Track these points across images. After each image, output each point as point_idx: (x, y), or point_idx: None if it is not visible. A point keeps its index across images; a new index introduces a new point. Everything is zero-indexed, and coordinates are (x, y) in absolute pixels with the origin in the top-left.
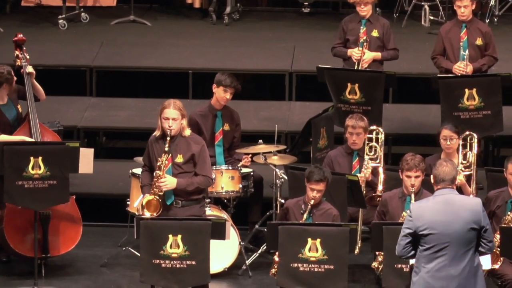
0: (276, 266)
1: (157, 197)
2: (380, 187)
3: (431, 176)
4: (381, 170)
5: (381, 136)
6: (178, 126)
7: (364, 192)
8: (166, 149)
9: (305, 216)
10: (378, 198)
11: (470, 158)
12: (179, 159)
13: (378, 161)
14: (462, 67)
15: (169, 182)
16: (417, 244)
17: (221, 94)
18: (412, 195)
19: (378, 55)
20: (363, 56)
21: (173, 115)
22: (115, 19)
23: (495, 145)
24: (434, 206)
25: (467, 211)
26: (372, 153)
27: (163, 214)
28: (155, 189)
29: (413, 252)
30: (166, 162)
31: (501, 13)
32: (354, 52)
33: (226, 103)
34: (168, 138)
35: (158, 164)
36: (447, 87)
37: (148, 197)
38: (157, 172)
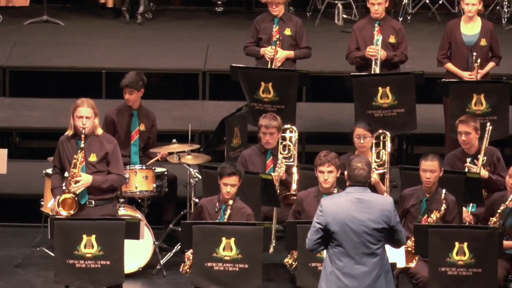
0: (188, 263)
1: (73, 196)
2: (294, 186)
3: (345, 172)
4: (295, 169)
5: (295, 135)
6: (91, 125)
7: (278, 191)
8: (82, 145)
9: (227, 214)
10: (292, 197)
11: (384, 156)
12: (93, 158)
13: (292, 160)
14: (374, 49)
15: (84, 179)
16: (328, 239)
17: (124, 96)
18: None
19: (291, 53)
20: (276, 55)
21: (86, 114)
22: (28, 19)
23: (408, 143)
24: (345, 203)
25: (378, 210)
26: (286, 151)
27: (77, 214)
28: (70, 188)
29: (322, 247)
30: (82, 159)
31: (414, 11)
32: (267, 51)
33: (131, 104)
34: (83, 136)
35: (74, 161)
36: (361, 86)
37: (64, 195)
38: (72, 170)
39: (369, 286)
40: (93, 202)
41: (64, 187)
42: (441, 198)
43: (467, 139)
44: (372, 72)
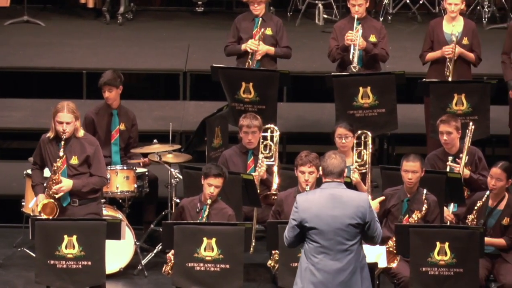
0: (169, 264)
1: (53, 200)
2: (274, 186)
3: (320, 168)
4: (275, 168)
5: (276, 135)
6: (72, 129)
7: (259, 190)
8: (61, 154)
9: (205, 215)
10: (273, 197)
11: (365, 156)
12: (74, 160)
13: (273, 159)
14: (353, 35)
15: (65, 185)
16: (304, 235)
17: (103, 95)
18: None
19: (271, 49)
20: (258, 47)
21: (66, 119)
22: (8, 20)
23: (389, 143)
24: (320, 200)
25: (353, 206)
26: (267, 151)
27: (60, 215)
28: (50, 193)
29: (300, 243)
30: (61, 166)
31: (395, 11)
32: (251, 42)
33: (110, 102)
34: (63, 142)
35: (54, 168)
36: (342, 86)
37: (44, 200)
38: (52, 176)
39: (343, 282)
40: (77, 201)
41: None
42: (422, 198)
43: (449, 138)
44: (351, 58)
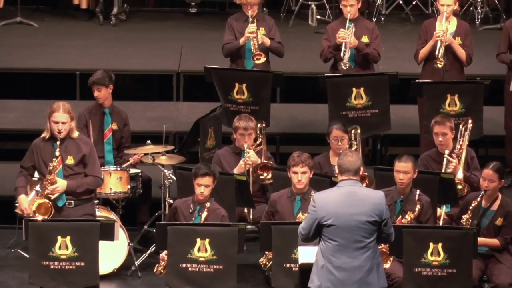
0: (162, 264)
1: (48, 200)
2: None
3: (335, 167)
4: (263, 147)
5: (262, 126)
6: (67, 129)
7: (253, 192)
8: (57, 154)
9: (202, 216)
10: (270, 165)
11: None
12: (70, 160)
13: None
14: (344, 32)
15: (59, 185)
16: (320, 232)
17: (93, 94)
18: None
19: (267, 40)
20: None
21: (62, 119)
22: (2, 21)
23: (383, 144)
24: (338, 197)
25: (370, 204)
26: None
27: (56, 215)
28: (45, 193)
29: (315, 238)
30: (57, 166)
31: (388, 12)
32: (250, 27)
33: (101, 101)
34: (58, 142)
35: (49, 168)
36: (335, 86)
37: (39, 200)
38: (48, 176)
39: (361, 279)
40: (72, 202)
41: (38, 190)
42: (415, 199)
43: (444, 139)
44: (342, 56)
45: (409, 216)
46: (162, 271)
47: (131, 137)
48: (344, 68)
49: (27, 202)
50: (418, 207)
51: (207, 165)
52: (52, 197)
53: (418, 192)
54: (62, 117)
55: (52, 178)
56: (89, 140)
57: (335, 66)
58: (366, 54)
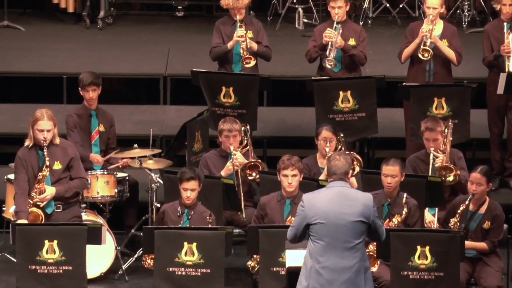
0: (148, 258)
1: (35, 208)
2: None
3: (324, 169)
4: (249, 148)
5: (247, 128)
6: (51, 136)
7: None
8: (47, 163)
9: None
10: (260, 165)
11: None
12: (57, 166)
13: (247, 146)
14: (331, 32)
15: (49, 193)
16: (306, 234)
17: (86, 96)
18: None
19: (255, 45)
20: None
21: (47, 127)
22: None
23: (370, 147)
24: (327, 197)
25: (359, 204)
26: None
27: (45, 220)
28: (33, 201)
29: (303, 239)
30: (46, 174)
31: (375, 15)
32: (239, 31)
33: (92, 102)
34: (46, 151)
35: (38, 178)
36: (322, 90)
37: (29, 209)
38: (36, 185)
39: (349, 280)
40: (60, 206)
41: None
42: (402, 202)
43: (435, 144)
44: (327, 54)
45: (396, 220)
46: (150, 264)
47: (116, 140)
48: (328, 66)
49: None
50: (405, 210)
51: (192, 168)
52: (42, 204)
53: (405, 195)
54: (47, 124)
55: (41, 186)
56: (71, 142)
57: (322, 68)
58: (352, 56)
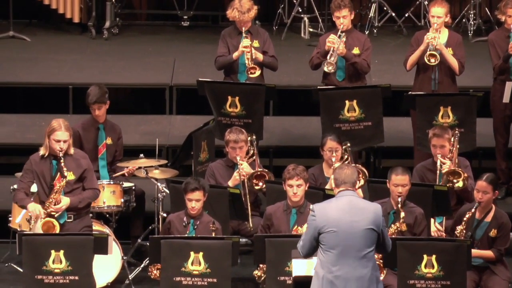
0: (154, 268)
1: (50, 218)
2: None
3: (331, 179)
4: (255, 158)
5: (254, 138)
6: (67, 147)
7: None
8: (65, 173)
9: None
10: (266, 175)
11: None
12: (70, 176)
13: (253, 156)
14: (334, 38)
15: (64, 204)
16: (318, 245)
17: (93, 113)
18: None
19: (260, 55)
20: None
21: (64, 137)
22: None
23: (376, 157)
24: (338, 206)
25: (370, 212)
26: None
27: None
28: (48, 211)
29: (316, 251)
30: (63, 185)
31: (381, 24)
32: (245, 41)
33: (101, 119)
34: (62, 162)
35: (56, 188)
36: (328, 99)
37: (44, 220)
38: (53, 196)
39: None
40: (72, 216)
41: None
42: (408, 210)
43: (442, 151)
44: (328, 60)
45: (395, 226)
46: (157, 274)
47: (123, 151)
48: (327, 70)
49: (39, 206)
50: (402, 214)
51: (197, 179)
52: (56, 215)
53: (411, 204)
54: (64, 135)
55: (57, 197)
56: (84, 153)
57: (325, 76)
58: (354, 63)
